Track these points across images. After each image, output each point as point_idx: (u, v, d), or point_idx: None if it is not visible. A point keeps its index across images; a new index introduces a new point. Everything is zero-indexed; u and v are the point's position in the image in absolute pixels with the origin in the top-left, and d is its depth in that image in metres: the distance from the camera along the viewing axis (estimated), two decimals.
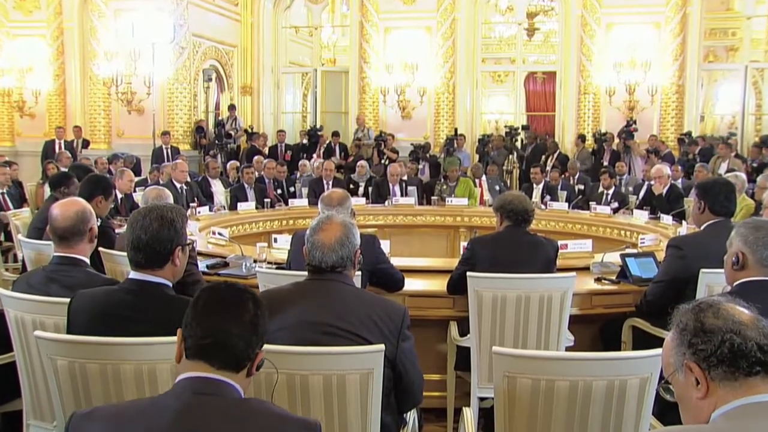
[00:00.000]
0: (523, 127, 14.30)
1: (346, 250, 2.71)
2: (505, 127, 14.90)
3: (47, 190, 7.67)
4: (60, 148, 12.49)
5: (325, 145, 13.90)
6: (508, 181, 13.06)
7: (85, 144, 13.46)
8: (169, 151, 12.60)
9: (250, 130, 14.53)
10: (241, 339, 1.80)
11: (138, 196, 8.12)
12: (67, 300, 2.65)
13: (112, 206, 7.25)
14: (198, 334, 1.80)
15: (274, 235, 5.82)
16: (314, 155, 13.31)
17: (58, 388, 2.46)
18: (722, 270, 3.68)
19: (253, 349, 1.83)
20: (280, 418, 1.79)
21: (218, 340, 1.79)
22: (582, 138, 13.42)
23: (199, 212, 7.94)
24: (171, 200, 4.74)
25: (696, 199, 4.10)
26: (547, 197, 9.45)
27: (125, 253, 2.66)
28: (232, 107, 14.69)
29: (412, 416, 2.98)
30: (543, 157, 13.10)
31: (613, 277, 4.55)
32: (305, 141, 14.14)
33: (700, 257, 3.79)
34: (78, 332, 2.52)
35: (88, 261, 3.16)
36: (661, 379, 1.78)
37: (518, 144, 14.06)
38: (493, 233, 4.36)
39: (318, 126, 14.69)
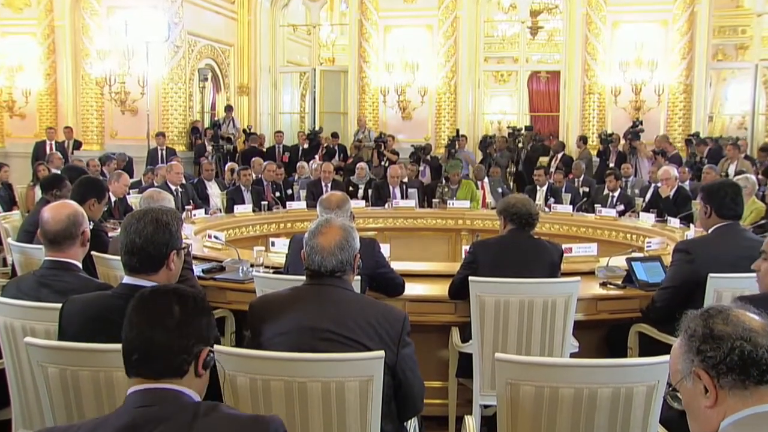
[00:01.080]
0: (527, 128, 14.29)
1: (345, 254, 2.71)
2: (508, 127, 14.90)
3: (38, 193, 7.68)
4: (51, 149, 12.48)
5: (325, 148, 13.88)
6: (511, 183, 13.05)
7: (77, 145, 13.45)
8: (164, 152, 12.59)
9: (248, 130, 14.54)
10: (170, 346, 1.82)
11: (132, 199, 8.12)
12: (59, 305, 2.65)
13: (106, 209, 7.26)
14: (126, 350, 1.84)
15: (271, 239, 5.81)
16: (315, 156, 13.29)
17: (49, 396, 2.46)
18: (732, 275, 3.70)
19: (190, 351, 1.84)
20: (231, 418, 1.80)
21: (143, 353, 1.82)
22: (583, 139, 13.42)
23: (194, 215, 7.93)
24: (171, 203, 4.73)
25: (701, 203, 4.09)
26: (551, 200, 9.44)
27: (119, 257, 2.66)
28: (229, 108, 14.68)
29: (413, 424, 2.98)
30: (547, 158, 13.10)
31: (619, 282, 4.55)
32: (305, 146, 14.10)
33: (709, 261, 3.79)
34: (70, 339, 2.52)
35: (80, 265, 3.16)
36: (668, 386, 1.78)
37: (520, 145, 14.04)
38: (496, 237, 4.37)
39: (317, 128, 14.67)
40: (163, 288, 1.98)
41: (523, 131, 13.90)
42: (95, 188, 4.88)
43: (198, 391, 1.86)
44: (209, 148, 13.21)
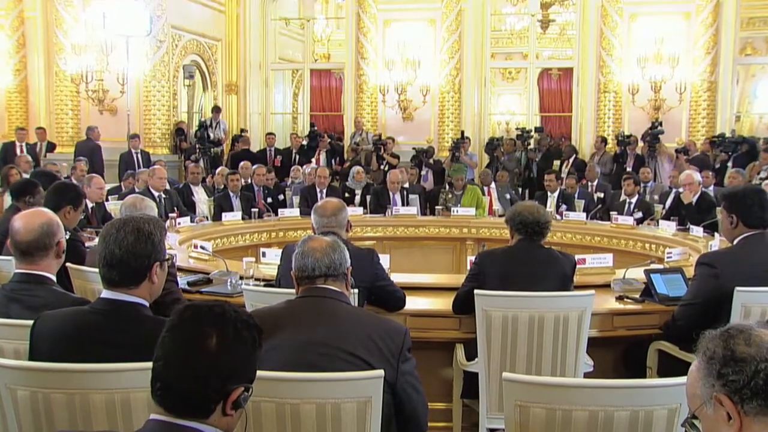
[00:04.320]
0: (536, 129, 14.30)
1: (338, 255, 2.81)
2: (517, 129, 14.88)
3: (7, 199, 7.65)
4: (21, 151, 12.42)
5: (329, 144, 13.83)
6: (520, 190, 13.03)
7: (51, 147, 13.38)
8: (139, 156, 12.55)
9: (239, 133, 14.51)
10: (195, 382, 1.75)
11: (111, 206, 8.12)
12: (30, 322, 2.63)
13: (83, 216, 7.25)
14: (152, 374, 1.79)
15: (262, 249, 5.81)
16: (312, 159, 13.25)
17: (18, 422, 2.44)
18: (762, 289, 3.69)
19: (218, 390, 1.77)
20: None
21: (165, 386, 1.77)
22: (604, 140, 13.39)
23: (179, 223, 7.93)
24: (155, 211, 4.73)
25: (725, 212, 4.07)
26: (563, 206, 9.44)
27: (97, 270, 2.66)
28: (216, 109, 14.66)
29: None
30: (558, 162, 13.10)
31: (637, 296, 4.54)
32: (305, 142, 14.07)
33: (736, 275, 3.79)
34: (42, 358, 2.51)
35: (54, 278, 3.14)
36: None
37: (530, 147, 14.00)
38: (504, 247, 4.37)
39: (321, 132, 14.56)
40: (207, 307, 1.85)
41: (532, 133, 13.88)
42: (70, 194, 4.87)
43: (226, 427, 1.81)
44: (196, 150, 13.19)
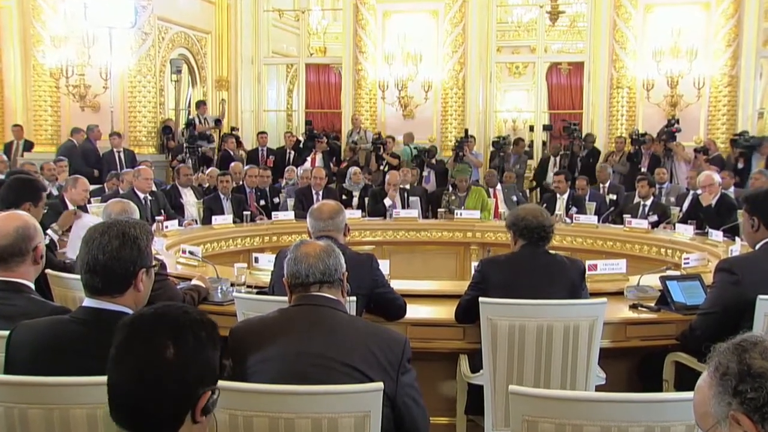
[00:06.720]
0: (545, 128, 14.27)
1: (333, 260, 2.81)
2: (564, 121, 14.60)
3: None
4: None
5: (328, 144, 13.77)
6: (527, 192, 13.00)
7: (28, 146, 13.32)
8: (121, 155, 12.54)
9: (229, 131, 14.50)
10: (160, 400, 1.76)
11: (93, 208, 8.10)
12: (6, 332, 2.62)
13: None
14: (108, 393, 1.78)
15: (254, 254, 5.84)
16: (308, 159, 13.21)
17: None
18: None
19: (188, 399, 1.78)
20: None
21: (125, 407, 1.76)
22: (623, 140, 13.33)
23: (166, 227, 7.92)
24: (137, 215, 4.73)
25: (746, 215, 4.06)
26: (573, 209, 9.43)
27: (78, 277, 2.65)
28: (201, 103, 14.63)
29: None
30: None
31: (652, 304, 4.55)
32: (303, 137, 14.02)
33: (758, 282, 3.77)
34: (18, 371, 2.50)
35: (32, 286, 3.12)
36: None
37: (534, 147, 13.91)
38: (508, 254, 4.37)
39: (320, 133, 14.52)
40: (154, 317, 1.85)
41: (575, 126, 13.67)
42: (30, 189, 4.85)
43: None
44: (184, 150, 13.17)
